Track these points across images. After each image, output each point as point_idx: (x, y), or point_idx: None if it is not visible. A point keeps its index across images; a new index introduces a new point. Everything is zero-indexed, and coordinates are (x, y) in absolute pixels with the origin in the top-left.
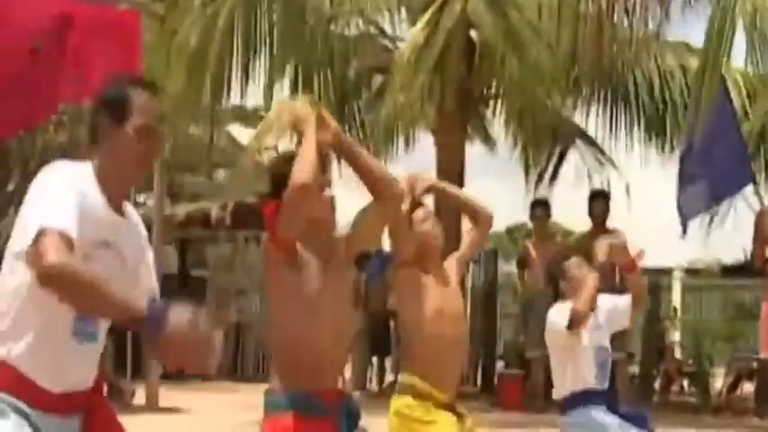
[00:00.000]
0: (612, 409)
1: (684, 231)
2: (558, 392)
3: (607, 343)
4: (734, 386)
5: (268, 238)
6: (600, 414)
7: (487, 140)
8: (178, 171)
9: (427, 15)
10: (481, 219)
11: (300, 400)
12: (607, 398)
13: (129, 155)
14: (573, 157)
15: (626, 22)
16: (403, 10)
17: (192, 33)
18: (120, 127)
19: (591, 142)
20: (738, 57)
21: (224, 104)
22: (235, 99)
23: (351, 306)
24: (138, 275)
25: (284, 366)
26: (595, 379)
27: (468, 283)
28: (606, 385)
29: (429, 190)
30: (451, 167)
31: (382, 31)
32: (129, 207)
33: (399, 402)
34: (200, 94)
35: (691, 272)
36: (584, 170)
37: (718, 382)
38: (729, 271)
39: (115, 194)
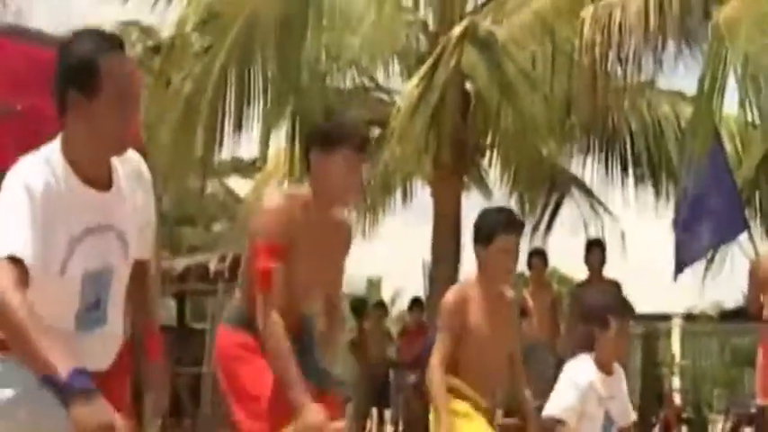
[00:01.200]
0: None
1: (677, 274)
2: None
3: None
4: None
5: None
6: None
7: (484, 190)
8: (176, 223)
9: (423, 69)
10: None
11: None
12: None
13: (104, 129)
14: (568, 205)
15: (620, 71)
16: (397, 62)
17: (186, 84)
18: (91, 100)
19: (586, 190)
20: (731, 104)
21: (220, 156)
22: (229, 150)
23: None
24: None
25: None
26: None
27: None
28: None
29: None
30: (448, 218)
31: (377, 84)
32: (120, 168)
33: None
34: (193, 145)
35: (689, 318)
36: (580, 218)
37: (718, 429)
38: (728, 316)
39: (93, 170)
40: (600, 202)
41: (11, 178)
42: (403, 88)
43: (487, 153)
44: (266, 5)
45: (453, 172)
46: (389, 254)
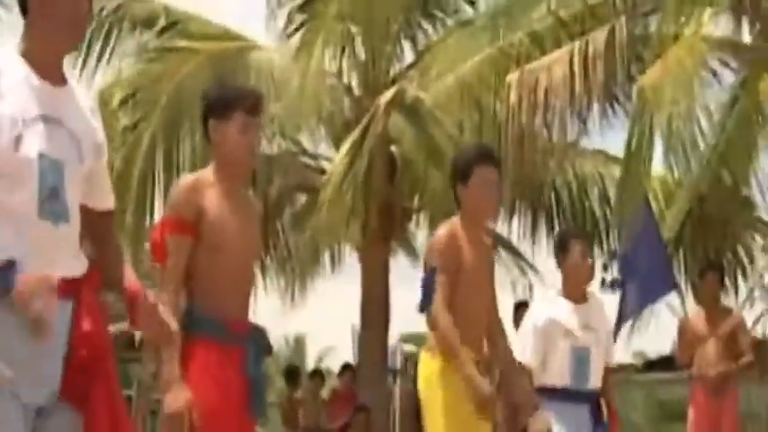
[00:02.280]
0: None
1: (617, 333)
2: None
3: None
4: None
5: None
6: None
7: (411, 253)
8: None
9: (353, 136)
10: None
11: (210, 325)
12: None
13: (59, 13)
14: (496, 264)
15: (545, 133)
16: (323, 128)
17: (117, 158)
18: None
19: (513, 251)
20: (654, 164)
21: (148, 224)
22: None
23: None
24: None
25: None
26: (572, 378)
27: (396, 393)
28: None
29: None
30: (376, 283)
31: (303, 150)
32: (71, 80)
33: (432, 366)
34: (125, 214)
35: (616, 369)
36: (507, 278)
37: None
38: (653, 366)
39: (45, 65)
40: (527, 262)
41: None
42: (332, 155)
43: (414, 217)
44: (191, 78)
45: (380, 236)
46: (315, 314)
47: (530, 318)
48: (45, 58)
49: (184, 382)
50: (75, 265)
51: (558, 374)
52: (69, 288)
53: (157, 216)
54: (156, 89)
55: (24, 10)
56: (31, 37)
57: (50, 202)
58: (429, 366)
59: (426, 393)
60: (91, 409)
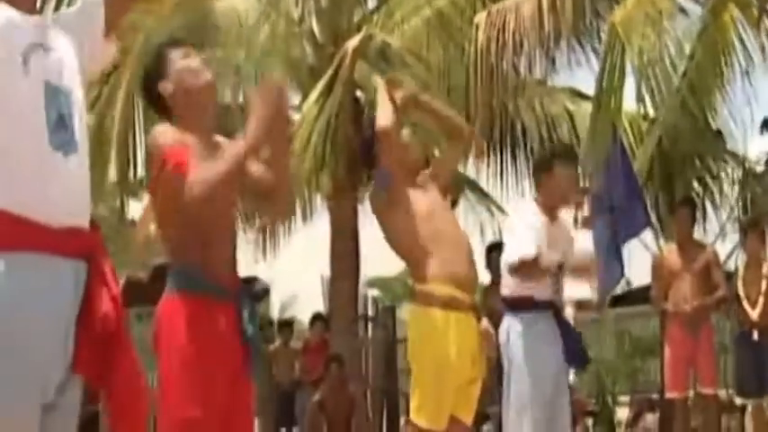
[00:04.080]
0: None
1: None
2: (504, 292)
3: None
4: (635, 420)
5: None
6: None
7: None
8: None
9: (321, 85)
10: (456, 134)
11: (196, 280)
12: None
13: None
14: (463, 207)
15: (514, 73)
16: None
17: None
18: None
19: (482, 193)
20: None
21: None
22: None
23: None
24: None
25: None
26: (549, 288)
27: (369, 339)
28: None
29: (406, 102)
30: (345, 232)
31: None
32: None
33: (422, 316)
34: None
35: (580, 306)
36: (477, 221)
37: (623, 413)
38: (617, 301)
39: (22, 5)
40: (496, 204)
41: None
42: (300, 104)
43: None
44: (160, 26)
45: (349, 185)
46: (279, 264)
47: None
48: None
49: (176, 341)
50: (83, 210)
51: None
52: (83, 246)
53: (140, 165)
54: (127, 40)
55: None
56: None
57: (59, 131)
58: (417, 325)
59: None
60: (113, 383)
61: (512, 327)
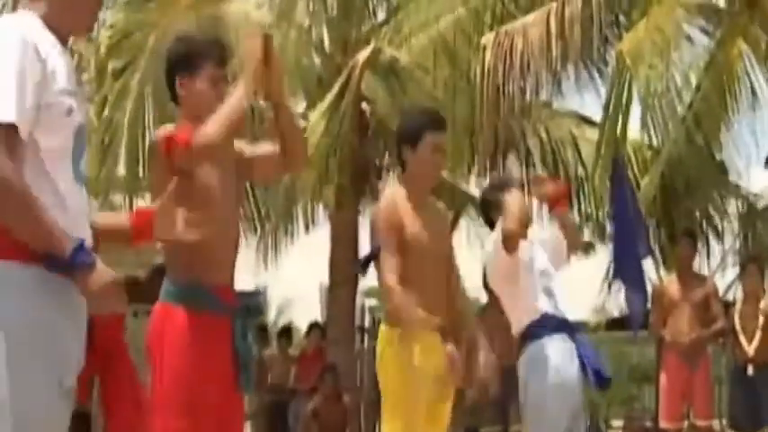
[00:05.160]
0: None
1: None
2: (516, 328)
3: (551, 270)
4: None
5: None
6: (563, 360)
7: None
8: None
9: (330, 97)
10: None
11: (195, 294)
12: (571, 329)
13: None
14: (464, 224)
15: (520, 96)
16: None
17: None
18: None
19: None
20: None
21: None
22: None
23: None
24: None
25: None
26: (548, 305)
27: (365, 350)
28: (564, 315)
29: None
30: (345, 241)
31: None
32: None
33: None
34: (117, 163)
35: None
36: (477, 237)
37: None
38: (615, 324)
39: (66, 35)
40: None
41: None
42: (308, 115)
43: (383, 174)
44: (175, 24)
45: (353, 196)
46: (279, 270)
47: None
48: (67, 31)
49: (169, 353)
50: (89, 231)
51: None
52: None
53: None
54: (142, 35)
55: None
56: (53, 16)
57: (77, 164)
58: (386, 347)
59: (383, 378)
60: (115, 386)
61: (530, 356)
